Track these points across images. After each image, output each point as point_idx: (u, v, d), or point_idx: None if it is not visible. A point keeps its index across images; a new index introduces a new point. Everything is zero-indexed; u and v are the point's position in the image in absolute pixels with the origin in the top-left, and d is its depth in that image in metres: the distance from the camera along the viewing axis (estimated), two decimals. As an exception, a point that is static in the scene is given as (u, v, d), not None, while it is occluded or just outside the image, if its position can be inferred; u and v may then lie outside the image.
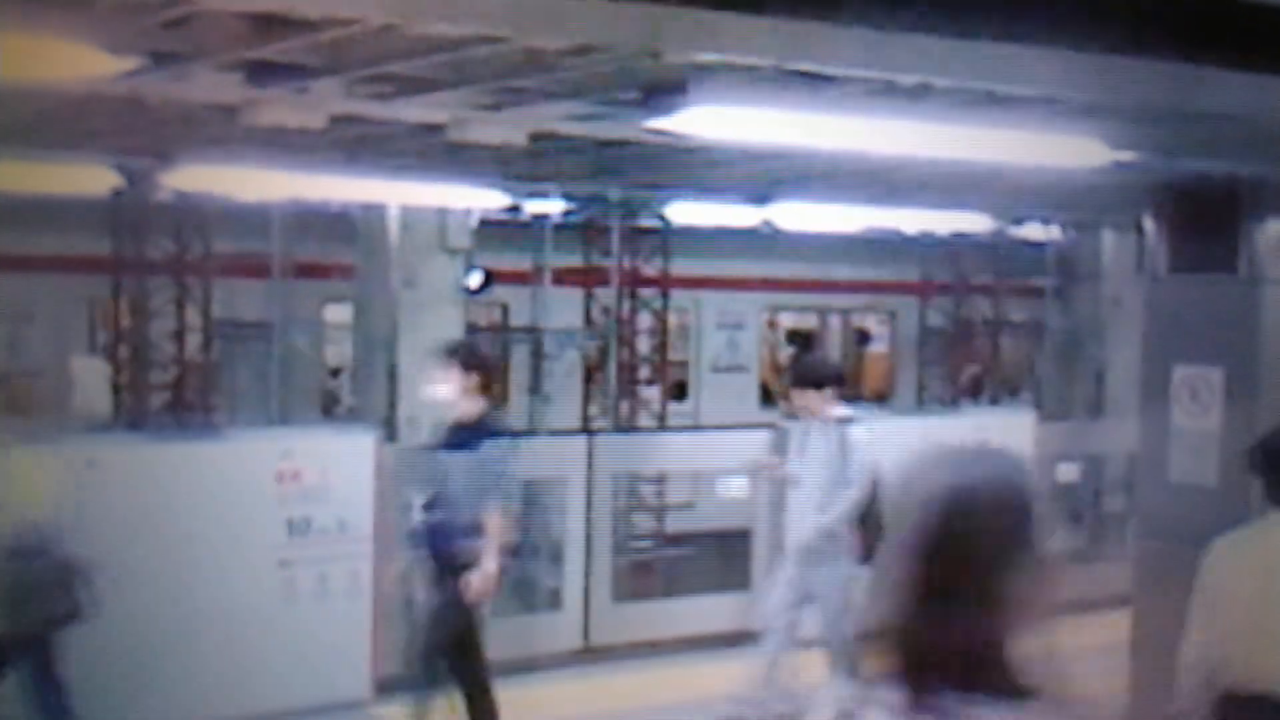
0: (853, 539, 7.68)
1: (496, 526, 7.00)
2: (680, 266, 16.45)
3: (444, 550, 7.02)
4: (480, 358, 7.40)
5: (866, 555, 7.86)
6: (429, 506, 7.07)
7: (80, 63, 5.07)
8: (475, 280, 16.38)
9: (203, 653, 7.65)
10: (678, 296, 17.01)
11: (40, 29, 4.82)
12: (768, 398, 19.16)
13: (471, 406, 7.12)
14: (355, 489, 8.21)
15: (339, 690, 8.04)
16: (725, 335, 19.44)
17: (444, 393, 7.11)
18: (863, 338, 21.82)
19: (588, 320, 15.96)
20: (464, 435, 7.08)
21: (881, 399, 19.26)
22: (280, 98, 6.80)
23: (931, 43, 4.27)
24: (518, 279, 15.54)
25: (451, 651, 7.11)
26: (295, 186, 10.31)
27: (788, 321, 21.35)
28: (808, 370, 8.49)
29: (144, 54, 5.92)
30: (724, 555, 11.03)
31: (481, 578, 6.95)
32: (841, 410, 7.93)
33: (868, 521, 7.62)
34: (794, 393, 8.15)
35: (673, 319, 18.24)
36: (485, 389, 7.19)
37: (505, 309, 16.49)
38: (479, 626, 7.26)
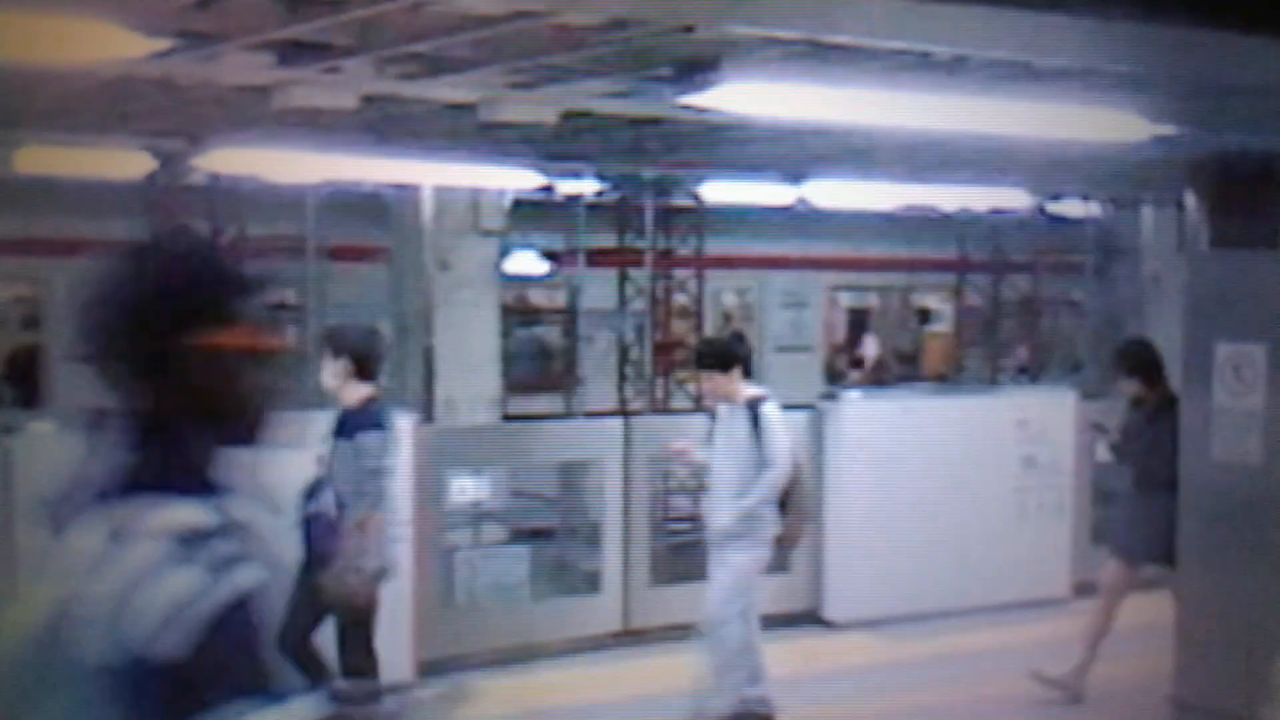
0: (776, 525, 7.35)
1: (369, 525, 6.53)
2: (719, 246, 16.37)
3: (317, 543, 6.53)
4: (352, 342, 6.79)
5: (790, 543, 7.65)
6: (309, 495, 6.64)
7: (113, 44, 5.06)
8: (537, 264, 16.43)
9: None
10: (740, 276, 16.96)
11: (72, 10, 4.81)
12: (833, 377, 19.17)
13: (353, 393, 6.65)
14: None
15: (381, 673, 8.04)
16: (789, 314, 19.45)
17: (325, 380, 6.69)
18: (924, 316, 21.74)
19: (622, 301, 15.91)
20: (345, 423, 6.63)
21: (942, 378, 19.13)
22: (311, 78, 6.78)
23: (965, 12, 4.21)
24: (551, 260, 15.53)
25: (339, 645, 6.73)
26: (327, 168, 10.30)
27: (847, 301, 21.30)
28: (711, 351, 7.88)
29: (176, 35, 5.91)
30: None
31: (357, 580, 6.55)
32: (752, 390, 7.44)
33: (788, 506, 7.37)
34: (700, 376, 7.64)
35: (733, 299, 18.23)
36: (364, 375, 6.66)
37: (574, 290, 16.20)
38: (360, 623, 6.78)
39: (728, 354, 7.60)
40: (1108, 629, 8.11)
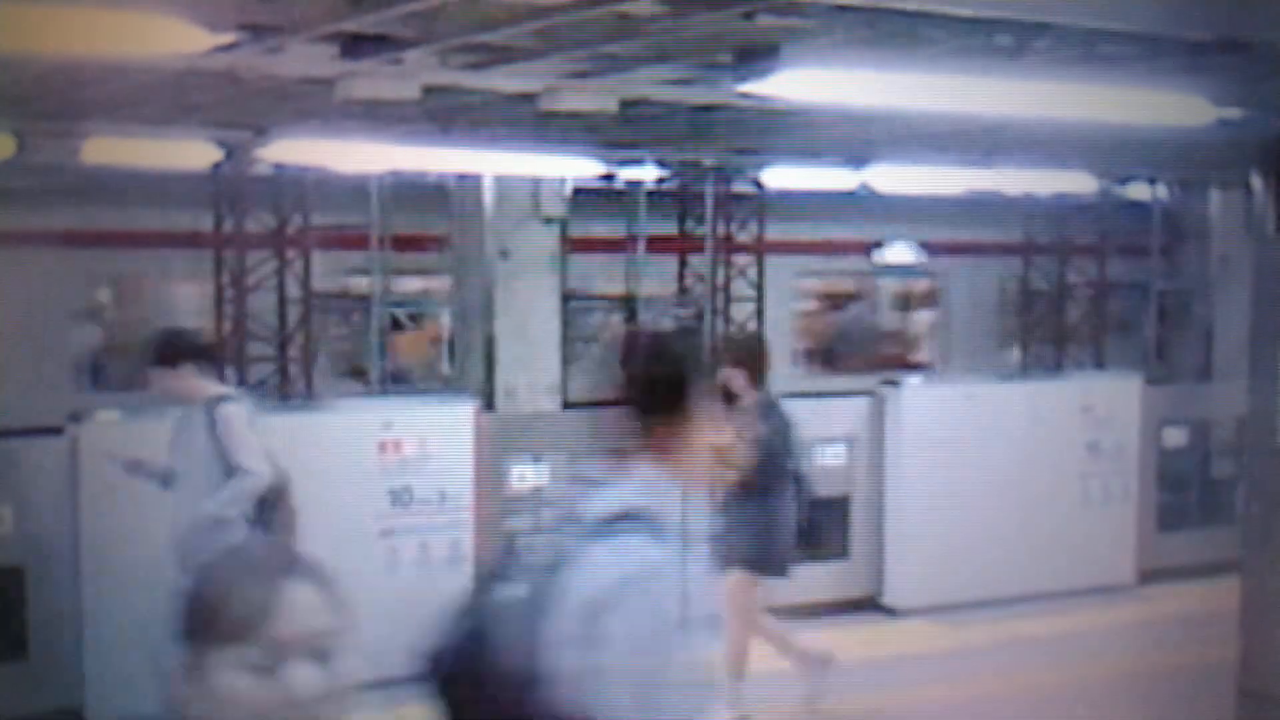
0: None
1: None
2: (780, 232, 16.32)
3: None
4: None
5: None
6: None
7: (177, 37, 5.12)
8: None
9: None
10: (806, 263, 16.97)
11: (138, 5, 4.88)
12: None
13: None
14: (455, 459, 8.25)
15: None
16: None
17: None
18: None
19: (681, 288, 15.90)
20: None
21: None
22: (374, 70, 6.83)
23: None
24: (611, 247, 15.54)
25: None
26: (390, 158, 10.37)
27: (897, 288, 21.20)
28: (158, 343, 6.91)
29: (239, 29, 5.97)
30: (821, 523, 10.96)
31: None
32: (215, 388, 6.69)
33: (269, 511, 6.62)
34: (151, 374, 6.70)
35: (799, 284, 18.15)
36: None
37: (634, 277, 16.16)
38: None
39: (174, 347, 6.77)
40: (763, 638, 7.71)
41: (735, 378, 6.90)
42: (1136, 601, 9.57)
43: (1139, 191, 15.45)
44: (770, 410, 7.42)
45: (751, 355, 7.46)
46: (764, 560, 7.40)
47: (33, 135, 9.56)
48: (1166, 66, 6.42)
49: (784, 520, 7.49)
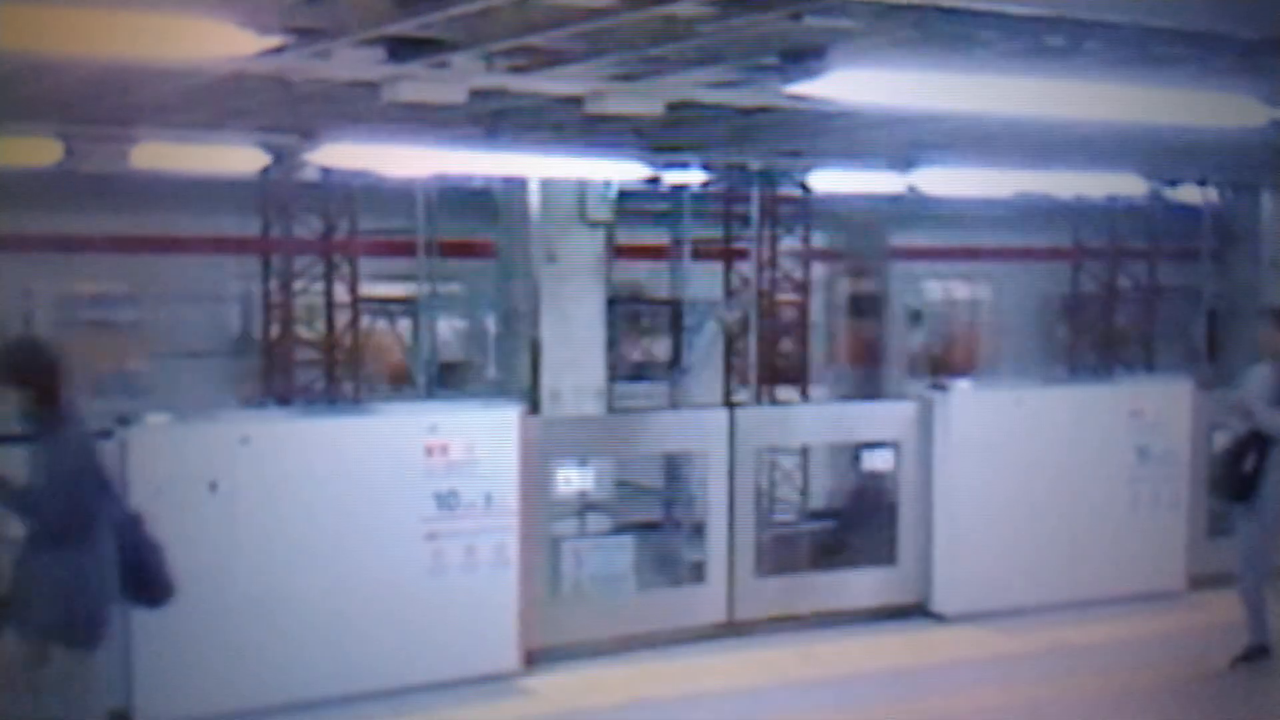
0: None
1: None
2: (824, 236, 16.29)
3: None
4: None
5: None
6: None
7: (225, 41, 5.14)
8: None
9: (353, 626, 7.75)
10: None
11: (186, 10, 4.90)
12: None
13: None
14: (501, 462, 8.25)
15: (488, 663, 8.10)
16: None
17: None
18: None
19: (728, 292, 15.88)
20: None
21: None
22: (420, 73, 6.84)
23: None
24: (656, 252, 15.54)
25: None
26: (436, 162, 10.39)
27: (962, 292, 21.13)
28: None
29: (287, 33, 5.99)
30: (869, 529, 10.91)
31: None
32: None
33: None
34: None
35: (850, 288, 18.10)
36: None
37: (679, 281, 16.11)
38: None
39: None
40: None
41: (19, 397, 5.80)
42: (1186, 608, 9.46)
43: (1189, 194, 15.31)
44: (64, 438, 5.85)
45: (30, 368, 5.92)
46: (64, 627, 5.81)
47: (80, 140, 9.63)
48: (1219, 67, 6.35)
49: (89, 576, 5.84)
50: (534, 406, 10.79)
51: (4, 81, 7.39)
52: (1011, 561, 9.58)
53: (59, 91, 7.88)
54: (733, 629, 9.00)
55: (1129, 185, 13.99)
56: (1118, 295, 17.66)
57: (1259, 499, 8.04)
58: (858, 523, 12.37)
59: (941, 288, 20.60)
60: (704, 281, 15.69)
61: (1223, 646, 7.91)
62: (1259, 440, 8.03)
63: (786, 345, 16.16)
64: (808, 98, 6.73)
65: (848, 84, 5.93)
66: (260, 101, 8.39)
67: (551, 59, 6.84)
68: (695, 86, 7.59)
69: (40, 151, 9.77)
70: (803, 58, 5.88)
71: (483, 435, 8.18)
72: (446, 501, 8.09)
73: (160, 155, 10.05)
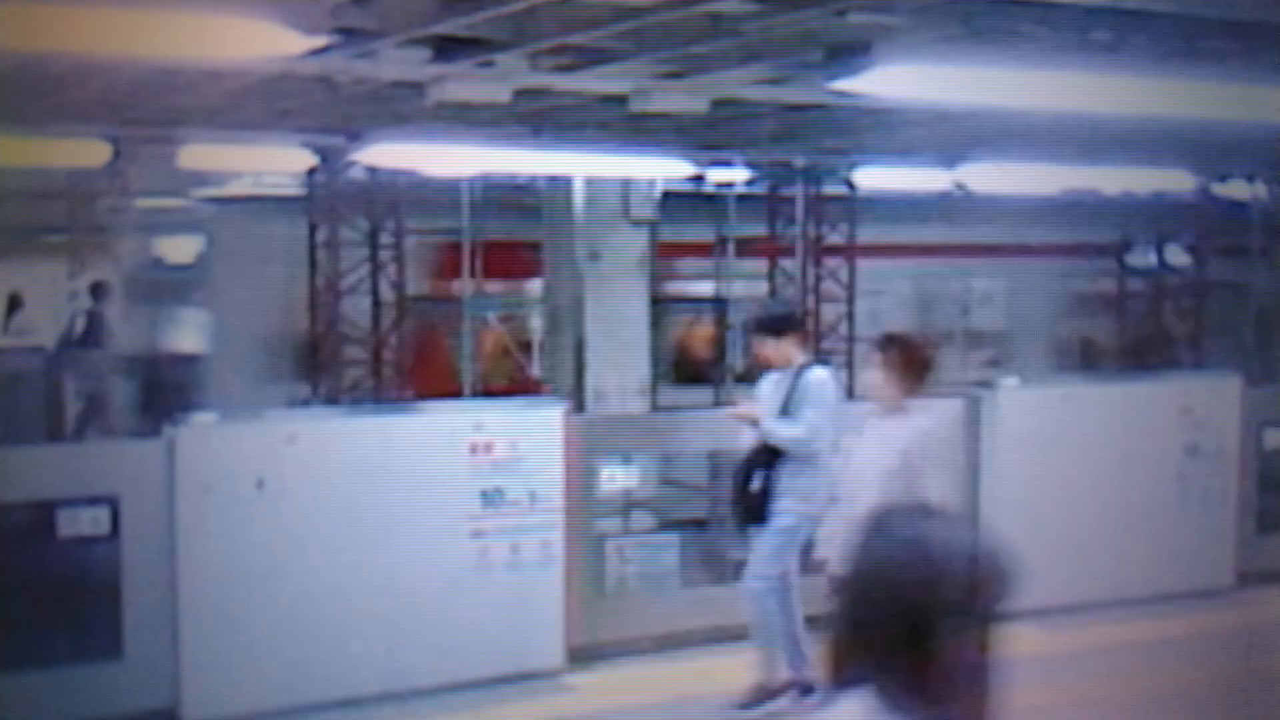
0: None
1: None
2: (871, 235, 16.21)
3: None
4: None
5: None
6: None
7: (271, 41, 5.17)
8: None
9: (400, 622, 7.79)
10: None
11: (232, 10, 4.93)
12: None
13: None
14: (545, 460, 8.27)
15: (533, 660, 8.12)
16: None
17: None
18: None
19: (772, 291, 15.82)
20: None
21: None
22: (465, 73, 6.87)
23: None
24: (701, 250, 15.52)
25: None
26: (482, 161, 10.41)
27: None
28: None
29: (332, 33, 6.02)
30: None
31: None
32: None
33: None
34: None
35: (909, 288, 18.06)
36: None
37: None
38: None
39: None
40: None
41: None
42: (1235, 605, 9.38)
43: (1237, 189, 15.16)
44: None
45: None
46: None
47: (128, 142, 9.71)
48: (1267, 60, 6.29)
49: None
50: (579, 405, 10.80)
51: (52, 83, 7.46)
52: (1058, 558, 9.53)
53: (106, 93, 7.95)
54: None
55: (1176, 180, 13.87)
56: (1166, 291, 17.52)
57: None
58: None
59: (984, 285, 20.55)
60: (749, 279, 15.67)
61: (1272, 644, 7.84)
62: None
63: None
64: (852, 94, 6.71)
65: (892, 80, 5.91)
66: (306, 102, 8.44)
67: (595, 57, 6.85)
68: (739, 84, 7.58)
69: (88, 153, 9.85)
70: (847, 54, 5.87)
71: (527, 433, 8.20)
72: (492, 499, 8.11)
73: (207, 157, 10.11)
